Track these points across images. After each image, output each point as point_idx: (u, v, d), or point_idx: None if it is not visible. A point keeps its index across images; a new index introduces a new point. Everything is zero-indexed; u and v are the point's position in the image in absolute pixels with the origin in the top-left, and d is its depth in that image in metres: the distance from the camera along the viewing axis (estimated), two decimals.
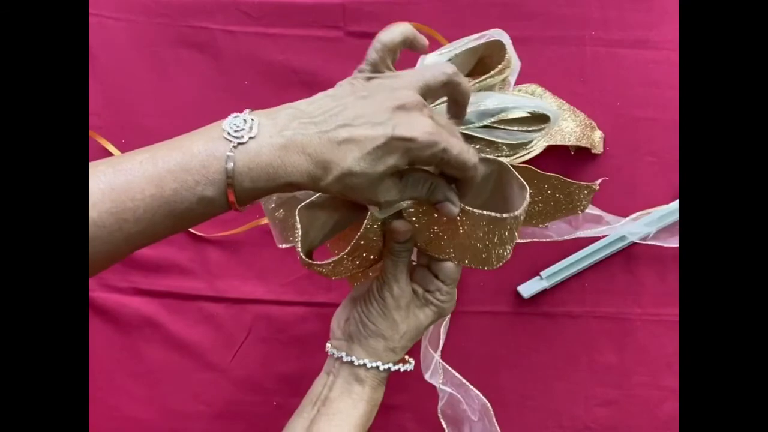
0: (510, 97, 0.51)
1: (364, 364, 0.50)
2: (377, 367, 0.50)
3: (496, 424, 0.62)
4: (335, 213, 0.50)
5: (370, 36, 0.67)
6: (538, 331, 0.67)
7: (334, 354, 0.52)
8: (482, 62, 0.54)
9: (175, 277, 0.70)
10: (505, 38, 0.51)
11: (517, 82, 0.66)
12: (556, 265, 0.66)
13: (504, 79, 0.52)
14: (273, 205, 0.55)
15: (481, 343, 0.68)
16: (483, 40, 0.51)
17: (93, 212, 0.40)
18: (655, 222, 0.64)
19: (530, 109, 0.51)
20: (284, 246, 0.56)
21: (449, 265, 0.51)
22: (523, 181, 0.47)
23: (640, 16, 0.66)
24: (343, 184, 0.42)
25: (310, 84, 0.68)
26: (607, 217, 0.63)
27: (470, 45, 0.51)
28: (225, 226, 0.69)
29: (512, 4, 0.66)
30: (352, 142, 0.41)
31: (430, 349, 0.63)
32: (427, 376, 0.62)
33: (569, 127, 0.63)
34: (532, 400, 0.68)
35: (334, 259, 0.48)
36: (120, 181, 0.40)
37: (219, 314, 0.70)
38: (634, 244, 0.66)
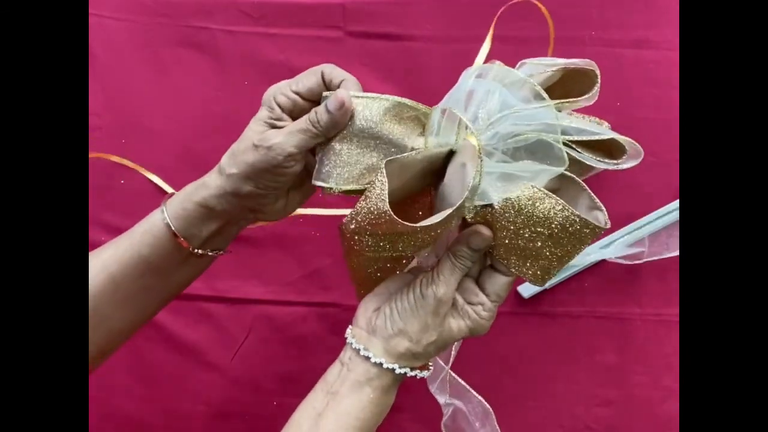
0: (595, 126, 0.51)
1: (381, 363, 0.47)
2: (393, 369, 0.47)
3: (498, 429, 0.61)
4: (414, 179, 0.49)
5: (370, 36, 0.68)
6: (538, 331, 0.67)
7: (352, 344, 0.48)
8: (563, 82, 0.52)
9: None
10: (597, 70, 0.51)
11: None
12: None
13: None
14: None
15: (481, 342, 0.68)
16: (578, 65, 0.51)
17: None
18: (652, 226, 0.65)
19: (614, 137, 0.49)
20: (319, 183, 0.50)
21: (502, 279, 0.48)
22: (596, 200, 0.47)
23: (640, 16, 0.66)
24: (231, 151, 0.50)
25: None
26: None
27: (563, 64, 0.51)
28: None
29: (512, 4, 0.66)
30: None
31: (440, 361, 0.62)
32: (433, 389, 0.61)
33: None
34: (532, 400, 0.68)
35: (426, 223, 0.44)
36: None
37: (219, 314, 0.70)
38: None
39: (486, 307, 0.48)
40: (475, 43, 0.67)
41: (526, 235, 0.47)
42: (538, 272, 0.48)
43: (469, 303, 0.49)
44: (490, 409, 0.61)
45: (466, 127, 0.49)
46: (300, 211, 0.65)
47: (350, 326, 0.50)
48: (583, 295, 0.67)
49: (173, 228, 0.50)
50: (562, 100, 0.49)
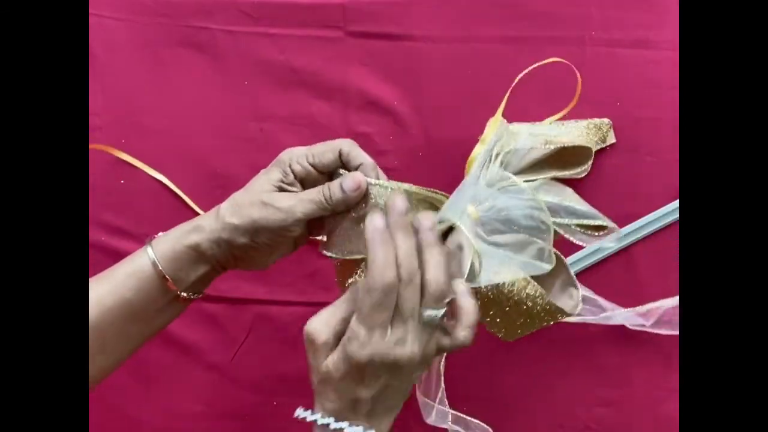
0: (586, 207, 0.55)
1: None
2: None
3: None
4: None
5: (371, 36, 0.68)
6: (538, 330, 0.67)
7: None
8: (561, 151, 0.56)
9: None
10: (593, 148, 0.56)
11: (518, 82, 0.66)
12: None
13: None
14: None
15: (480, 343, 0.68)
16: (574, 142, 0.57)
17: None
18: (652, 226, 0.65)
19: (598, 222, 0.55)
20: (328, 254, 0.53)
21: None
22: (573, 277, 0.54)
23: (640, 16, 0.66)
24: (233, 201, 0.51)
25: (310, 84, 0.68)
26: (604, 303, 0.63)
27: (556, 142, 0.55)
28: None
29: (512, 4, 0.66)
30: None
31: (427, 400, 0.62)
32: (430, 420, 0.62)
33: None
34: (532, 400, 0.68)
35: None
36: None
37: (219, 314, 0.70)
38: (634, 244, 0.66)
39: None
40: (475, 43, 0.67)
41: (506, 309, 0.52)
42: (508, 334, 0.55)
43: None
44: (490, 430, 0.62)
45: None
46: None
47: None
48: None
49: (162, 270, 0.49)
50: (556, 174, 0.55)
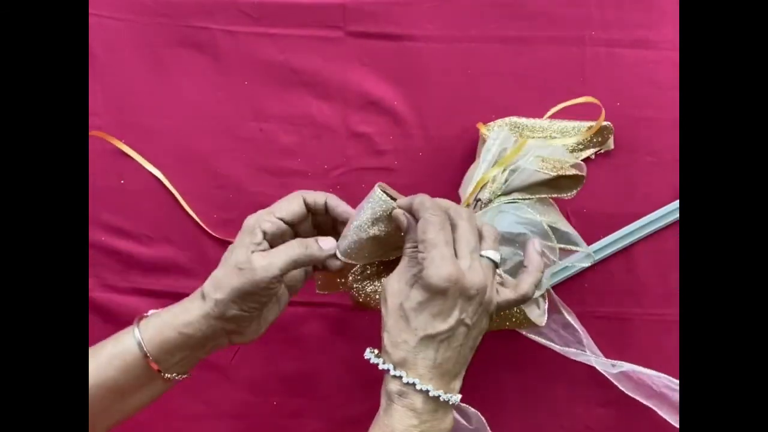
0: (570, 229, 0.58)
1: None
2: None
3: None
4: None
5: (371, 36, 0.68)
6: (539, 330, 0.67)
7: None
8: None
9: (175, 277, 0.70)
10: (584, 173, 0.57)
11: (518, 81, 0.66)
12: (556, 265, 0.66)
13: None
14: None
15: (480, 343, 0.68)
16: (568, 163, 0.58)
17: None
18: (652, 226, 0.64)
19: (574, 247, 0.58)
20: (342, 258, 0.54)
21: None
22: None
23: (640, 16, 0.66)
24: (214, 276, 0.52)
25: (310, 84, 0.68)
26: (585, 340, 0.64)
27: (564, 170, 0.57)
28: (226, 226, 0.69)
29: (512, 4, 0.66)
30: None
31: None
32: None
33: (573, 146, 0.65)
34: (532, 400, 0.68)
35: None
36: None
37: None
38: (633, 244, 0.66)
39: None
40: (475, 43, 0.67)
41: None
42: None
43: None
44: (483, 420, 0.62)
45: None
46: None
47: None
48: (583, 295, 0.67)
49: (148, 354, 0.51)
50: (548, 194, 0.58)
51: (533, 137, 0.63)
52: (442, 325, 0.45)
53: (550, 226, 0.57)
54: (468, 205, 0.57)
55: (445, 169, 0.67)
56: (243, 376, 0.70)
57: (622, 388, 0.63)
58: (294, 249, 0.51)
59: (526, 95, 0.66)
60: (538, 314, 0.58)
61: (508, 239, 0.56)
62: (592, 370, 0.67)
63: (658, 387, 0.63)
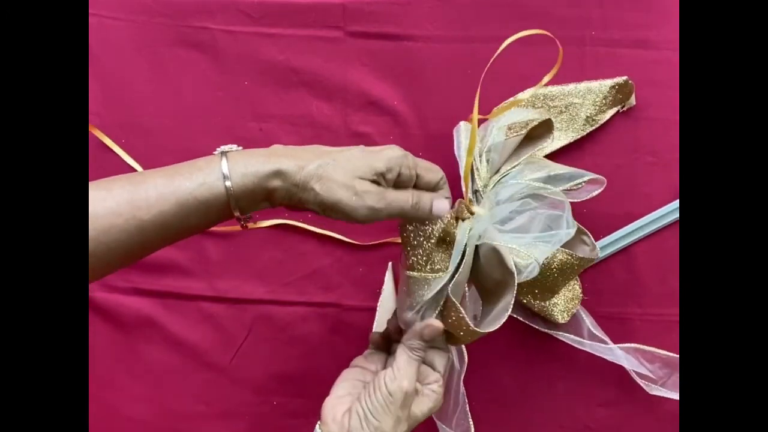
0: (572, 170, 0.60)
1: None
2: None
3: None
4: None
5: (370, 36, 0.68)
6: (538, 330, 0.67)
7: None
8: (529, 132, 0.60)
9: (174, 277, 0.70)
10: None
11: (518, 82, 0.66)
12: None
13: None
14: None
15: (480, 343, 0.68)
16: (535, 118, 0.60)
17: (111, 201, 0.45)
18: (652, 226, 0.64)
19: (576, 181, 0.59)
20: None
21: (446, 356, 0.54)
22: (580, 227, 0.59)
23: (640, 16, 0.66)
24: (324, 170, 0.48)
25: (310, 84, 0.68)
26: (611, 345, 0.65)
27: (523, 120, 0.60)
28: (225, 226, 0.69)
29: (512, 4, 0.66)
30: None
31: (445, 426, 0.65)
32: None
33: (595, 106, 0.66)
34: (532, 400, 0.68)
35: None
36: (136, 178, 0.47)
37: (219, 314, 0.70)
38: (633, 244, 0.66)
39: (440, 382, 0.52)
40: (475, 43, 0.67)
41: (551, 279, 0.58)
42: (544, 297, 0.61)
43: (427, 384, 0.52)
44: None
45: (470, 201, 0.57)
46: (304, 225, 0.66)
47: (319, 427, 0.51)
48: (583, 294, 0.67)
49: (235, 206, 0.48)
50: (531, 151, 0.60)
51: (554, 105, 0.65)
52: None
53: (550, 176, 0.58)
54: (470, 201, 0.57)
55: (445, 169, 0.67)
56: (243, 376, 0.70)
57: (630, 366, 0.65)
58: (407, 204, 0.50)
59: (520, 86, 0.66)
60: (588, 250, 0.59)
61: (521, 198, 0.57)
62: (592, 369, 0.67)
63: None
